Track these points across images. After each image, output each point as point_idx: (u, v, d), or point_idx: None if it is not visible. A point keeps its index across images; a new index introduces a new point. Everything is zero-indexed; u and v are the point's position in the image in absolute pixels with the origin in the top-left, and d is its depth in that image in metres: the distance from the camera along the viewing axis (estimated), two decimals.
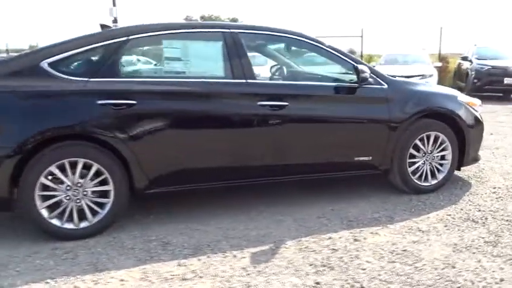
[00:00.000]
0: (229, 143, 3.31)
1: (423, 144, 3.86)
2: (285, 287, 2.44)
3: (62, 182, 2.96)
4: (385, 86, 3.74)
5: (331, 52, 3.67)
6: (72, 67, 3.08)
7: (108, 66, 3.09)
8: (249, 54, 3.46)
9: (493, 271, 2.59)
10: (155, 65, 3.20)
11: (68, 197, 2.98)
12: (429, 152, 3.89)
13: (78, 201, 3.01)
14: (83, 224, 3.05)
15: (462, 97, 4.11)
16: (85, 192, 3.02)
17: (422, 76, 11.55)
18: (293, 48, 3.94)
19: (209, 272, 2.61)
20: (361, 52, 17.03)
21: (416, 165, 3.87)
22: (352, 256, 2.79)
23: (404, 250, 2.87)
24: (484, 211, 3.54)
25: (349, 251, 2.86)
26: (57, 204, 2.98)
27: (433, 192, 3.94)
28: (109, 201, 3.07)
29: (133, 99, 3.04)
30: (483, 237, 3.05)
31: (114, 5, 16.62)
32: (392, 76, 3.93)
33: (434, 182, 3.96)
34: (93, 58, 3.13)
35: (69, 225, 3.01)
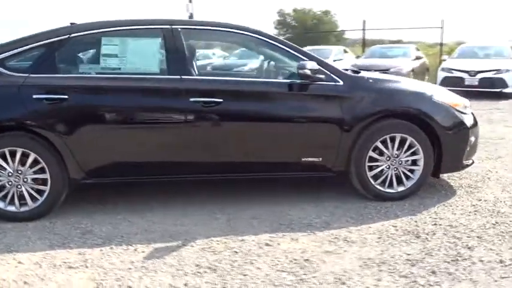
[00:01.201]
0: (162, 138, 3.34)
1: (386, 147, 3.52)
2: (153, 286, 2.43)
3: (4, 169, 3.25)
4: (340, 83, 3.47)
5: (279, 47, 3.50)
6: (17, 64, 3.34)
7: (48, 62, 3.30)
8: (209, 51, 3.44)
9: None
10: (96, 61, 3.35)
11: (10, 183, 3.26)
12: (395, 155, 3.53)
13: (19, 186, 3.27)
14: (23, 208, 3.31)
15: (441, 96, 3.65)
16: (25, 179, 3.27)
17: (497, 71, 10.46)
18: (238, 44, 3.83)
19: (98, 263, 2.68)
20: (441, 43, 15.77)
21: (378, 170, 3.54)
22: (247, 261, 2.67)
23: (307, 260, 2.67)
24: (440, 225, 3.14)
25: (248, 255, 2.74)
26: (1, 188, 3.28)
27: (401, 200, 3.58)
28: (46, 189, 3.29)
29: (66, 94, 3.21)
30: (409, 254, 2.72)
31: (190, 1, 17.34)
32: (355, 71, 3.64)
33: (401, 189, 3.59)
34: (36, 55, 3.35)
35: (11, 208, 3.29)
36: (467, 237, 2.94)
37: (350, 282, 2.42)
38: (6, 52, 3.31)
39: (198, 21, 3.55)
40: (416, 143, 3.51)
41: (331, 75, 3.46)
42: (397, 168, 3.55)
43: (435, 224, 3.16)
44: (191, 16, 17.55)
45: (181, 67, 3.32)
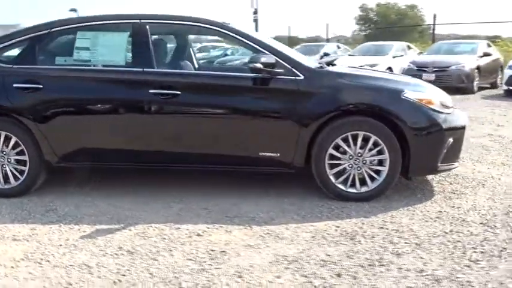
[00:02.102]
0: (125, 128, 3.52)
1: (348, 145, 3.38)
2: (68, 262, 2.59)
3: None
4: (301, 77, 3.39)
5: (242, 40, 3.51)
6: (6, 55, 3.72)
7: (29, 54, 3.64)
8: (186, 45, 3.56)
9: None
10: (71, 54, 3.61)
11: None
12: (358, 154, 3.38)
13: (4, 166, 3.65)
14: (7, 186, 3.67)
15: (414, 93, 3.40)
16: (9, 160, 3.64)
17: None
18: (204, 36, 3.85)
19: (39, 238, 2.92)
20: None
21: (340, 168, 3.42)
22: (167, 248, 2.75)
23: (223, 252, 2.69)
24: (386, 229, 2.97)
25: (172, 243, 2.81)
26: None
27: (366, 201, 3.42)
28: (26, 170, 3.64)
29: (41, 83, 3.52)
30: (329, 255, 2.61)
31: None
32: (320, 66, 3.52)
33: (364, 189, 3.42)
34: (22, 48, 3.70)
35: (1, 185, 3.67)
36: (405, 243, 2.75)
37: (247, 277, 2.40)
38: None
39: (165, 15, 3.65)
40: (380, 142, 3.33)
41: (292, 69, 3.39)
42: (360, 168, 3.40)
43: (381, 228, 2.99)
44: (255, 12, 17.80)
45: (144, 60, 3.48)
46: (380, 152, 3.36)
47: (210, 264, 2.54)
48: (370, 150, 3.37)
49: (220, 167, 3.55)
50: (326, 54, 15.05)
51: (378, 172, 3.40)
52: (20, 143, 3.58)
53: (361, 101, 3.36)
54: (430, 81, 11.16)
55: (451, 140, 3.42)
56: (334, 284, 2.31)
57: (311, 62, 3.89)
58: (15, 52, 3.82)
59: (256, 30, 18.33)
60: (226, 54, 19.76)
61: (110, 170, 3.96)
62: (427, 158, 3.41)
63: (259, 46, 3.46)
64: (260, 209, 3.36)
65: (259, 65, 3.24)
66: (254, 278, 2.39)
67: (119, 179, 4.04)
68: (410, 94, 3.36)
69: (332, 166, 3.41)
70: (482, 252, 2.62)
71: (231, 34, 3.54)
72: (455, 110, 3.63)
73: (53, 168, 3.69)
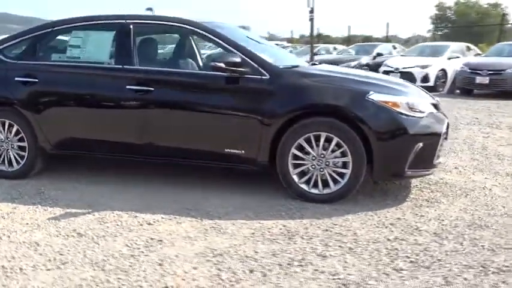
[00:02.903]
0: (105, 120, 3.78)
1: (311, 146, 3.36)
2: (19, 240, 2.85)
3: None
4: (266, 76, 3.43)
5: (214, 40, 3.62)
6: (13, 52, 4.14)
7: (31, 51, 4.04)
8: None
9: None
10: (65, 51, 3.94)
11: (2, 147, 4.07)
12: (321, 155, 3.36)
13: (8, 151, 4.07)
14: (11, 169, 4.09)
15: (379, 95, 3.30)
16: (13, 146, 4.04)
17: None
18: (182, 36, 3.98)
19: (14, 217, 3.23)
20: None
21: (303, 168, 3.41)
22: (114, 234, 2.92)
23: (160, 241, 2.83)
24: (330, 232, 2.94)
25: (121, 229, 2.99)
26: None
27: (330, 203, 3.39)
28: (25, 155, 4.04)
29: (36, 77, 3.89)
30: (256, 252, 2.66)
31: None
32: (290, 66, 3.53)
33: (326, 191, 3.40)
34: (26, 45, 4.11)
35: (2, 168, 4.09)
36: (339, 246, 2.72)
37: (166, 265, 2.51)
38: (6, 43, 4.14)
39: (146, 15, 3.86)
40: (343, 143, 3.28)
41: (259, 68, 3.45)
42: (323, 169, 3.37)
43: (326, 230, 2.97)
44: (311, 11, 17.67)
45: (125, 57, 3.71)
46: (344, 154, 3.31)
47: (142, 252, 2.70)
48: (333, 151, 3.33)
49: (190, 161, 3.69)
50: (379, 55, 14.67)
51: (341, 175, 3.35)
52: (21, 130, 3.98)
53: (322, 101, 3.34)
54: (484, 85, 10.54)
55: (419, 145, 3.28)
56: (241, 279, 2.36)
57: (292, 60, 3.92)
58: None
59: (312, 30, 18.23)
60: None
61: (113, 160, 4.20)
62: (392, 162, 3.31)
63: (229, 45, 3.55)
64: (222, 204, 3.45)
65: (220, 64, 3.33)
66: (172, 267, 2.51)
67: (118, 169, 4.25)
68: (375, 96, 3.28)
69: (296, 166, 3.42)
70: (412, 261, 2.52)
71: (204, 33, 3.67)
72: (433, 115, 3.47)
73: (48, 155, 4.05)
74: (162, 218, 3.22)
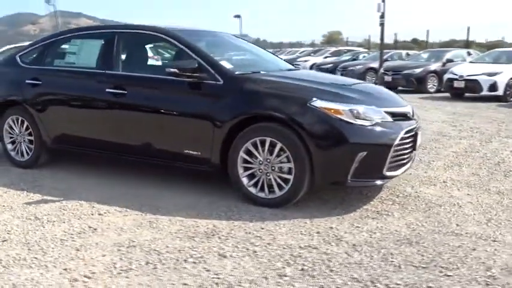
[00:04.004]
0: (90, 119, 4.18)
1: (257, 151, 3.43)
2: None
3: (13, 130, 4.70)
4: (220, 82, 3.57)
5: (180, 47, 3.83)
6: (28, 58, 4.72)
7: (40, 57, 4.59)
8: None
9: None
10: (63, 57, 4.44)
11: (17, 140, 4.69)
12: (267, 160, 3.41)
13: (21, 144, 4.68)
14: (23, 159, 4.69)
15: (322, 102, 3.25)
16: (24, 139, 4.64)
17: None
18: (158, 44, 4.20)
19: (1, 200, 3.76)
20: None
21: (251, 172, 3.49)
22: (63, 220, 3.27)
23: (95, 230, 3.10)
24: (248, 234, 2.99)
25: (74, 217, 3.32)
26: (13, 143, 4.75)
27: (274, 207, 3.43)
28: (32, 147, 4.60)
29: (40, 80, 4.42)
30: (174, 247, 2.82)
31: (383, 1, 16.90)
32: (250, 72, 3.63)
33: (271, 196, 3.43)
34: (37, 52, 4.67)
35: (18, 158, 4.72)
36: (246, 249, 2.77)
37: (82, 252, 2.75)
38: (24, 50, 4.75)
39: (130, 25, 4.20)
40: (286, 149, 3.31)
41: (215, 74, 3.59)
42: (269, 174, 3.42)
43: (248, 233, 3.01)
44: (382, 16, 17.11)
45: (107, 63, 4.08)
46: (288, 160, 3.33)
47: (72, 237, 2.99)
48: (278, 156, 3.36)
49: (156, 160, 3.93)
50: (449, 61, 13.80)
51: (286, 180, 3.37)
52: (30, 126, 4.55)
53: (265, 107, 3.38)
54: None
55: (363, 154, 3.19)
56: (131, 268, 2.53)
57: (274, 64, 4.07)
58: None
59: (382, 35, 17.62)
60: (354, 59, 19.53)
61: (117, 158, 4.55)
62: (332, 170, 3.25)
63: (191, 51, 3.74)
64: (176, 202, 3.64)
65: (174, 70, 3.54)
66: (86, 252, 2.75)
67: (115, 166, 4.60)
68: (317, 103, 3.25)
69: (246, 169, 3.51)
70: (303, 269, 2.51)
71: (171, 40, 3.90)
72: (385, 124, 3.33)
73: (50, 149, 4.57)
74: (115, 210, 3.50)
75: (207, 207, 3.52)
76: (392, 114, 3.46)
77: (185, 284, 2.37)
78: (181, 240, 2.92)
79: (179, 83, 3.70)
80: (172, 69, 3.57)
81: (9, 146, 4.77)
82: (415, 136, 3.59)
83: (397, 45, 23.98)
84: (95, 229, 3.13)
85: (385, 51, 18.24)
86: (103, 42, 4.20)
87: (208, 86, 3.60)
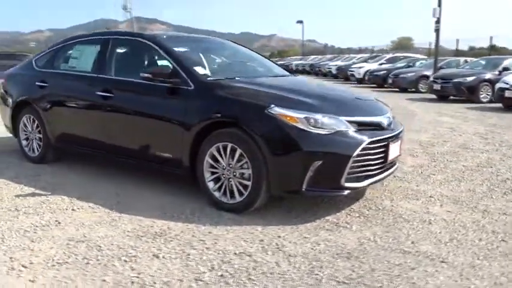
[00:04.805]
0: (84, 120, 4.44)
1: (221, 156, 3.47)
2: None
3: (27, 128, 5.10)
4: (191, 87, 3.65)
5: (162, 54, 3.97)
6: (40, 62, 5.10)
7: (50, 61, 4.95)
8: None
9: None
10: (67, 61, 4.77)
11: (30, 137, 5.10)
12: (229, 165, 3.44)
13: (33, 141, 5.07)
14: (34, 155, 5.08)
15: (279, 109, 3.22)
16: (35, 136, 5.04)
17: None
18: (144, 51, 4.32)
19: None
20: None
21: (215, 176, 3.54)
22: (36, 212, 3.51)
23: (59, 223, 3.30)
24: (192, 236, 3.04)
25: (48, 211, 3.55)
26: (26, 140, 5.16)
27: (234, 212, 3.46)
28: (41, 144, 4.97)
29: (47, 82, 4.77)
30: (96, 243, 2.95)
31: (439, 5, 16.15)
32: (223, 78, 3.71)
33: (232, 201, 3.46)
34: (48, 57, 5.03)
35: (31, 154, 5.12)
36: (157, 250, 2.83)
37: (35, 244, 2.95)
38: (39, 54, 5.15)
39: (121, 31, 4.40)
40: (245, 155, 3.32)
41: (187, 80, 3.69)
42: (231, 179, 3.45)
43: (194, 236, 3.07)
44: (438, 21, 16.36)
45: (100, 67, 4.33)
46: (248, 166, 3.34)
47: (35, 229, 3.20)
48: (239, 162, 3.39)
49: (138, 160, 4.09)
50: (505, 69, 12.93)
51: (246, 186, 3.38)
52: (39, 125, 4.92)
53: (224, 113, 3.42)
54: None
55: (318, 163, 3.12)
56: (66, 262, 2.68)
57: (265, 71, 4.17)
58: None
59: (437, 41, 16.82)
60: (409, 66, 18.85)
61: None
62: (287, 177, 3.21)
63: (169, 57, 3.87)
64: (151, 202, 3.76)
65: (147, 75, 3.69)
66: (38, 244, 2.94)
67: (117, 164, 4.81)
68: (274, 110, 3.23)
69: (212, 173, 3.56)
70: (221, 275, 2.52)
71: (154, 46, 4.06)
72: (345, 134, 3.24)
73: (55, 147, 4.90)
74: (89, 206, 3.70)
75: (176, 208, 3.61)
76: (358, 124, 3.35)
77: (104, 281, 2.48)
78: (128, 239, 3.03)
79: (156, 87, 3.84)
80: (145, 74, 3.72)
81: (24, 142, 5.18)
82: (386, 147, 3.45)
83: (474, 51, 22.67)
84: (59, 223, 3.33)
85: (441, 58, 17.42)
86: (98, 47, 4.46)
87: (181, 90, 3.70)
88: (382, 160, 3.46)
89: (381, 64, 21.75)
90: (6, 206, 3.70)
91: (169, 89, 3.75)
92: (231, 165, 3.42)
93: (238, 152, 3.35)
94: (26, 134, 5.13)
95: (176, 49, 4.00)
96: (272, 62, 5.07)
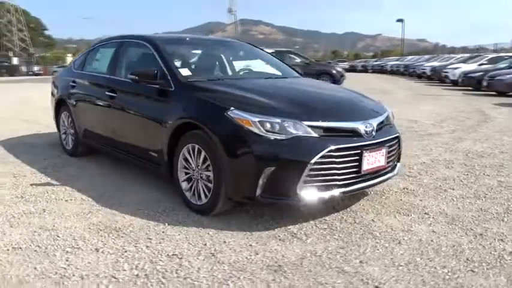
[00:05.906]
0: (98, 117, 4.76)
1: (191, 157, 3.49)
2: None
3: (64, 122, 5.63)
4: (172, 88, 3.72)
5: (152, 55, 4.08)
6: (76, 64, 5.56)
7: (82, 63, 5.39)
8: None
9: None
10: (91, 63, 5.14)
11: (67, 132, 5.61)
12: (197, 167, 3.45)
13: (68, 135, 5.58)
14: (68, 147, 5.58)
15: (237, 112, 3.12)
16: (70, 131, 5.53)
17: None
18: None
19: (12, 176, 4.59)
20: None
21: (187, 177, 3.57)
22: (14, 199, 3.87)
23: (30, 213, 3.59)
24: (146, 234, 3.10)
25: (39, 201, 3.88)
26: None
27: (201, 214, 3.47)
28: (73, 138, 5.44)
29: (76, 82, 5.21)
30: (60, 237, 3.14)
31: None
32: (195, 80, 3.70)
33: (199, 202, 3.46)
34: (82, 59, 5.47)
35: (67, 147, 5.65)
36: (112, 246, 2.91)
37: (13, 228, 3.28)
38: (77, 57, 5.63)
39: (129, 35, 4.60)
40: (208, 158, 3.31)
41: (170, 81, 3.77)
42: (199, 181, 3.46)
43: (146, 234, 3.13)
44: None
45: (112, 69, 4.60)
46: (211, 169, 3.33)
47: (22, 216, 3.52)
48: (204, 164, 3.38)
49: (133, 157, 4.27)
50: None
51: (210, 189, 3.37)
52: (72, 120, 5.39)
53: (189, 115, 3.42)
54: None
55: (270, 169, 2.99)
56: (20, 248, 2.92)
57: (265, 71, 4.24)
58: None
59: None
60: (511, 67, 16.97)
61: None
62: (241, 183, 3.12)
63: (160, 59, 3.98)
64: (138, 197, 3.94)
65: (133, 76, 3.83)
66: (15, 229, 3.23)
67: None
68: (233, 113, 3.15)
69: (186, 173, 3.60)
70: (137, 275, 2.54)
71: (150, 47, 4.19)
72: (307, 139, 3.05)
73: (82, 142, 5.32)
74: (81, 198, 3.97)
75: (153, 205, 3.73)
76: (325, 129, 3.13)
77: (35, 268, 2.65)
78: (88, 232, 3.20)
79: (148, 88, 3.97)
80: (130, 76, 3.88)
81: (63, 136, 5.72)
82: (359, 156, 3.18)
83: None
84: (44, 211, 3.62)
85: None
86: (113, 50, 4.74)
87: (164, 91, 3.79)
88: (355, 170, 3.20)
89: (480, 64, 19.82)
90: (16, 192, 4.12)
91: (158, 90, 3.86)
92: (198, 167, 3.43)
93: (203, 154, 3.34)
94: (64, 129, 5.65)
95: (170, 51, 4.11)
96: (286, 64, 4.94)
